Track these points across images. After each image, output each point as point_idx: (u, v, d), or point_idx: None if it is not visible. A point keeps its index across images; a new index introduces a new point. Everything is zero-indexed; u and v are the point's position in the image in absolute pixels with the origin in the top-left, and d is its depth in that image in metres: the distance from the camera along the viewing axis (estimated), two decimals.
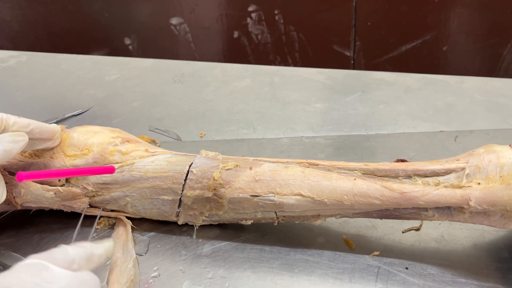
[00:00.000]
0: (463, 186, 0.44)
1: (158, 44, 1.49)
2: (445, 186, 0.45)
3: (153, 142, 0.70)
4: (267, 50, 1.44)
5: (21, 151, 0.54)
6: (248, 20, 1.40)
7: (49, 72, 0.93)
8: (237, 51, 1.44)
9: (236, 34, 1.43)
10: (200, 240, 0.53)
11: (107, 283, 0.48)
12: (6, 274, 0.34)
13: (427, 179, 0.46)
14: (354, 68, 1.39)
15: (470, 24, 1.27)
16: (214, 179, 0.50)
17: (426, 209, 0.45)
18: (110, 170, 0.51)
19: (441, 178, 0.46)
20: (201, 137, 0.72)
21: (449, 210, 0.45)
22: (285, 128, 0.72)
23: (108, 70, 0.92)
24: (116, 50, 1.51)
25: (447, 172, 0.46)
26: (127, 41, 1.51)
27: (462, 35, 1.29)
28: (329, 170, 0.50)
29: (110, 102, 0.82)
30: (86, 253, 0.38)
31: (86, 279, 0.36)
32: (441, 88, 0.78)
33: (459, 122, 0.69)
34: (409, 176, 0.47)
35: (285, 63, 1.43)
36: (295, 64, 1.43)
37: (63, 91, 0.86)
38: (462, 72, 1.29)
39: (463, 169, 0.45)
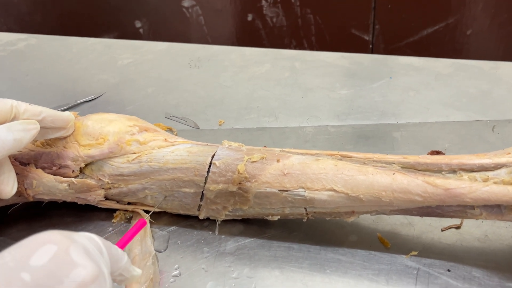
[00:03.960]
0: None
1: (169, 27, 1.45)
2: (495, 182, 0.41)
3: (170, 130, 0.67)
4: (282, 33, 1.39)
5: (33, 140, 0.51)
6: (263, 2, 1.34)
7: (59, 56, 0.89)
8: (251, 34, 1.39)
9: (250, 17, 1.38)
10: (223, 236, 0.50)
11: None
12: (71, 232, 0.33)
13: (474, 174, 0.42)
14: (373, 53, 1.34)
15: (496, 7, 1.21)
16: (239, 173, 0.47)
17: (472, 207, 0.42)
18: (143, 224, 0.46)
19: (490, 174, 0.42)
20: (220, 125, 0.68)
21: (498, 209, 0.41)
22: (309, 116, 0.68)
23: (120, 54, 0.88)
24: (126, 33, 1.47)
25: (496, 167, 0.42)
26: (138, 24, 1.47)
27: (487, 19, 1.23)
28: (364, 163, 0.46)
29: (124, 87, 0.78)
30: (126, 267, 0.37)
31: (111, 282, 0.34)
32: (474, 74, 0.73)
33: (496, 111, 0.65)
34: (453, 171, 0.43)
35: (301, 47, 1.39)
36: (311, 48, 1.38)
37: (74, 76, 0.82)
38: (486, 58, 1.23)
39: None
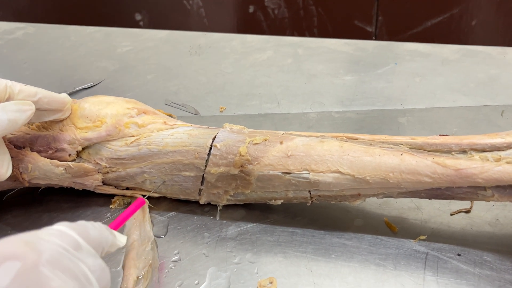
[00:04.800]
0: None
1: (169, 20, 1.43)
2: (507, 162, 0.39)
3: (170, 117, 0.65)
4: (284, 25, 1.37)
5: (28, 123, 0.50)
6: None
7: (57, 44, 0.87)
8: (252, 26, 1.38)
9: (251, 9, 1.36)
10: (224, 221, 0.48)
11: (123, 267, 0.44)
12: (37, 232, 0.29)
13: (486, 154, 0.41)
14: None
15: None
16: (240, 155, 0.45)
17: (484, 188, 0.40)
18: (141, 203, 0.45)
19: (502, 153, 0.40)
20: (221, 111, 0.66)
21: (511, 190, 0.39)
22: (312, 102, 0.66)
23: (120, 41, 0.86)
24: (126, 26, 1.45)
25: (509, 146, 0.40)
26: (138, 16, 1.45)
27: (492, 8, 1.21)
28: (370, 144, 0.45)
29: (123, 74, 0.77)
30: (112, 242, 0.35)
31: (104, 267, 0.31)
32: (481, 59, 0.71)
33: (505, 96, 0.63)
34: (464, 151, 0.42)
35: None
36: None
37: (72, 63, 0.81)
38: None
39: None
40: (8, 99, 0.44)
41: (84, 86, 0.74)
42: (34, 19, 1.48)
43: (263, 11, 1.36)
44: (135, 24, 1.44)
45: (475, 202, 0.47)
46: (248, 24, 1.38)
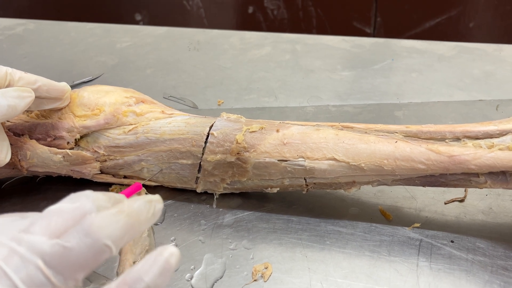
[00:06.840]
0: None
1: (169, 20, 1.44)
2: (500, 149, 0.40)
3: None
4: (283, 26, 1.38)
5: (28, 111, 0.51)
6: None
7: (57, 39, 0.88)
8: (252, 27, 1.39)
9: (251, 10, 1.37)
10: (220, 209, 0.49)
11: (120, 253, 0.44)
12: None
13: (479, 141, 0.41)
14: None
15: None
16: (237, 142, 0.46)
17: (477, 175, 0.40)
18: (138, 187, 0.44)
19: (495, 140, 0.41)
20: (219, 105, 0.67)
21: (504, 176, 0.40)
22: (310, 96, 0.67)
23: (119, 37, 0.87)
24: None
25: (502, 133, 0.41)
26: (138, 17, 1.46)
27: (490, 10, 1.22)
28: (365, 132, 0.45)
29: (122, 69, 0.77)
30: None
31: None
32: (477, 56, 0.72)
33: (500, 91, 0.64)
34: (457, 139, 0.42)
35: None
36: None
37: (72, 58, 0.81)
38: None
39: None
40: (8, 86, 0.44)
41: (83, 79, 0.75)
42: (34, 18, 1.49)
43: (263, 12, 1.37)
44: (135, 24, 1.45)
45: (469, 192, 0.47)
46: (248, 24, 1.39)
